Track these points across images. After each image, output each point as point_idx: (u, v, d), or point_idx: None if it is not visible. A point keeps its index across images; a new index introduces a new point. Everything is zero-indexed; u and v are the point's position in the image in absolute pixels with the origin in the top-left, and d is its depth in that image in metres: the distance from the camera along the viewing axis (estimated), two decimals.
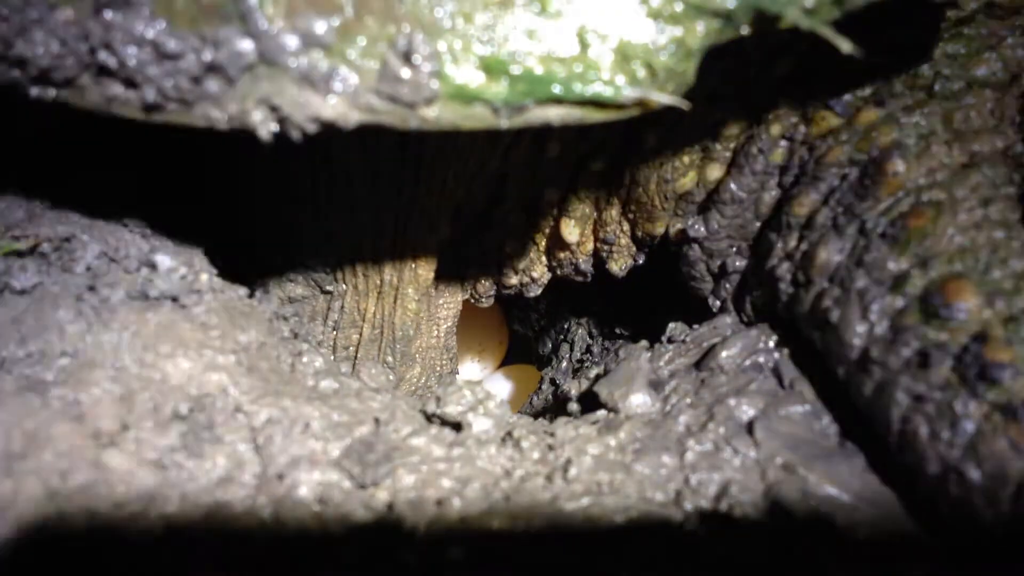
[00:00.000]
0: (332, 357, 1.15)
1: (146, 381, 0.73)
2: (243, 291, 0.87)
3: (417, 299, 1.12)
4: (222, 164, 1.03)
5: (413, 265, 1.08)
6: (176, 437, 0.70)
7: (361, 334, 1.13)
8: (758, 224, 0.93)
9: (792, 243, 0.85)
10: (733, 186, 0.91)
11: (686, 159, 0.93)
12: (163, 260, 0.81)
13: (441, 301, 1.21)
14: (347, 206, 1.00)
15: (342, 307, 1.11)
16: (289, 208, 1.02)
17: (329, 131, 0.60)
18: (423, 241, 1.06)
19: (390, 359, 1.17)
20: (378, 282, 1.08)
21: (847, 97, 0.85)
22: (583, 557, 0.65)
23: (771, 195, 0.91)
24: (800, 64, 0.86)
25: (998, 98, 0.79)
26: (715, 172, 0.93)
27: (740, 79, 0.87)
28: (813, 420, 0.78)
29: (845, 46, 0.60)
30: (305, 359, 0.84)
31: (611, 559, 0.65)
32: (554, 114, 0.61)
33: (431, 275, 1.10)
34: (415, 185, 0.98)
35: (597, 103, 0.62)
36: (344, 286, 1.09)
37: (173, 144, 0.80)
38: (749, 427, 0.76)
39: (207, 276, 0.83)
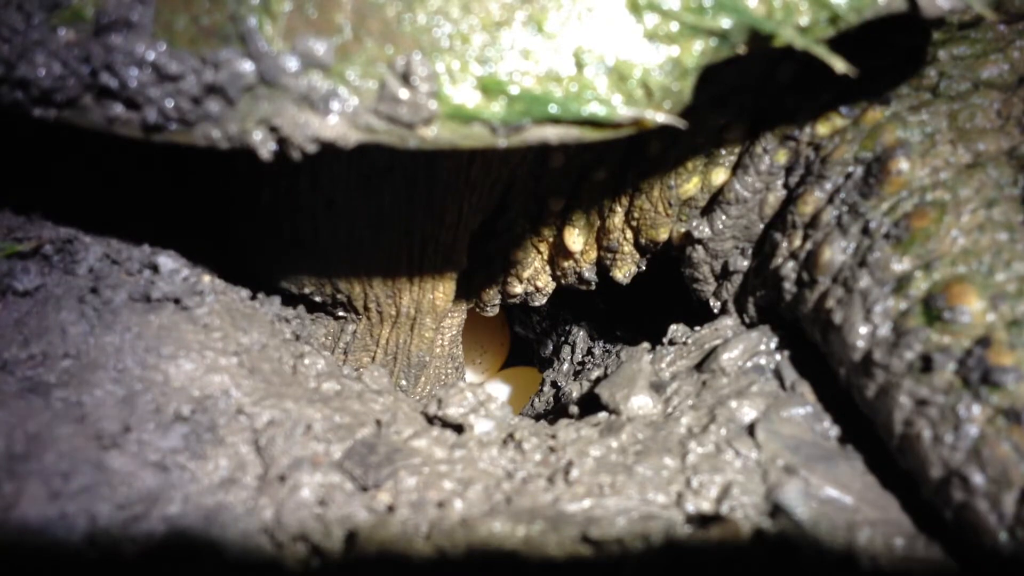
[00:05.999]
0: None
1: (148, 382, 0.73)
2: (245, 293, 0.87)
3: (434, 327, 1.12)
4: (226, 191, 1.02)
5: (431, 296, 1.07)
6: (178, 439, 0.71)
7: (373, 358, 1.13)
8: (762, 226, 0.93)
9: (797, 242, 0.84)
10: (738, 186, 0.90)
11: (690, 165, 0.93)
12: (165, 262, 0.81)
13: (447, 312, 1.20)
14: (352, 248, 0.99)
15: (354, 332, 1.11)
16: (293, 250, 1.01)
17: (329, 151, 0.60)
18: (441, 272, 1.05)
19: (404, 383, 1.16)
20: (393, 312, 1.07)
21: (853, 98, 0.84)
22: (585, 559, 0.65)
23: (776, 196, 0.90)
24: (803, 69, 0.85)
25: (1004, 99, 0.78)
26: (719, 177, 0.92)
27: (743, 86, 0.86)
28: (814, 422, 0.78)
29: (839, 65, 0.60)
30: (307, 361, 0.84)
31: (613, 561, 0.65)
32: (551, 133, 0.62)
33: (449, 303, 1.10)
34: (427, 221, 0.97)
35: (594, 122, 0.62)
36: (357, 313, 1.09)
37: (179, 155, 0.80)
38: (750, 429, 0.76)
39: (209, 278, 0.83)
